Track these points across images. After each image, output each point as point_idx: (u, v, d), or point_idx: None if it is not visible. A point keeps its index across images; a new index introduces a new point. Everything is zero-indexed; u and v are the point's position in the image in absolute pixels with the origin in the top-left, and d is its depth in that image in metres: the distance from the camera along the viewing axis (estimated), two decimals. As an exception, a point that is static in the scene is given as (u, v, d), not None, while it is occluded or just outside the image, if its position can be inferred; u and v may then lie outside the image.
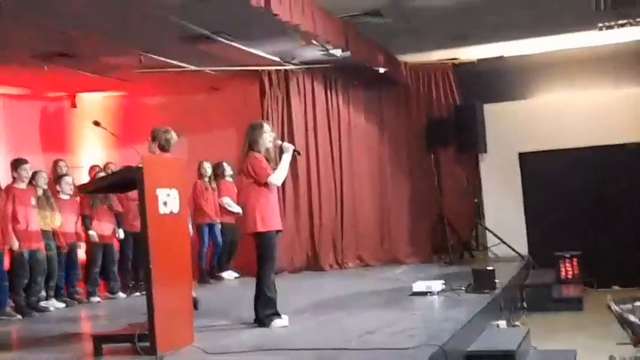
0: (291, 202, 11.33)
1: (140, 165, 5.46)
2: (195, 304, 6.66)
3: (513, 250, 11.34)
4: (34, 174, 8.72)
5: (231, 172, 10.99)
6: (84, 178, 10.70)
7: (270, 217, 6.44)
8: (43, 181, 8.84)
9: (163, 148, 7.16)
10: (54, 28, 8.05)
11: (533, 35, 10.39)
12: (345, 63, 10.38)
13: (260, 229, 6.38)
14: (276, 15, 6.97)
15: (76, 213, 9.32)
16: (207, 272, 10.76)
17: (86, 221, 9.33)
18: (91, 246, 9.42)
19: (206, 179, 10.90)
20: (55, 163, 10.05)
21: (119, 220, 9.67)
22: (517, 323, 8.21)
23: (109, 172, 9.63)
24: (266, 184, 6.45)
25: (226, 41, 9.08)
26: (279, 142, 6.83)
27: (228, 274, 11.05)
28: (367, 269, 11.19)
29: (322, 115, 11.64)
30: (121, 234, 9.69)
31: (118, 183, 6.19)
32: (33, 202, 8.51)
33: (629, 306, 7.68)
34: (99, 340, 5.71)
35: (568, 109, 11.60)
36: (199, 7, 7.55)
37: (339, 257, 11.50)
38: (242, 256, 10.81)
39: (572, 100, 11.62)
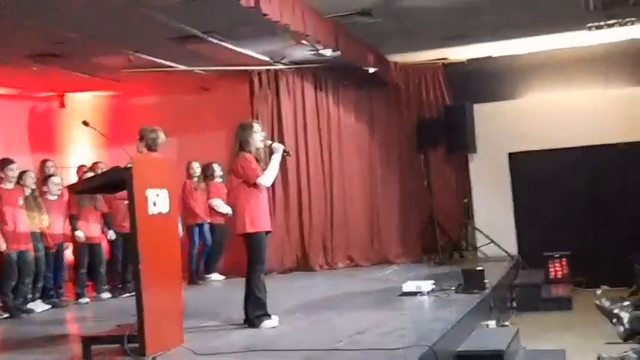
0: (281, 202, 11.31)
1: (129, 165, 5.43)
2: None
3: (503, 250, 11.37)
4: (22, 174, 8.66)
5: (221, 173, 10.94)
6: (72, 179, 10.65)
7: (259, 218, 6.43)
8: (30, 181, 8.78)
9: (150, 148, 7.13)
10: (43, 28, 8.02)
11: (523, 35, 10.40)
12: (335, 63, 10.38)
13: (249, 230, 6.37)
14: (265, 15, 6.95)
15: (64, 213, 9.26)
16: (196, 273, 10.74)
17: (73, 221, 9.25)
18: (77, 246, 9.36)
19: (195, 179, 10.85)
20: (43, 163, 10.00)
21: (108, 221, 9.63)
22: (506, 323, 8.21)
23: (98, 171, 9.57)
24: (255, 185, 6.45)
25: (216, 41, 9.07)
26: (269, 142, 6.83)
27: (216, 276, 11.02)
28: (357, 269, 11.17)
29: (312, 115, 11.63)
30: (111, 235, 9.65)
31: (108, 183, 6.16)
32: (21, 202, 8.46)
33: (617, 304, 7.73)
34: (88, 341, 5.68)
35: (558, 109, 11.61)
36: (189, 7, 7.52)
37: (329, 257, 11.49)
38: (231, 257, 10.79)
39: (562, 101, 11.64)
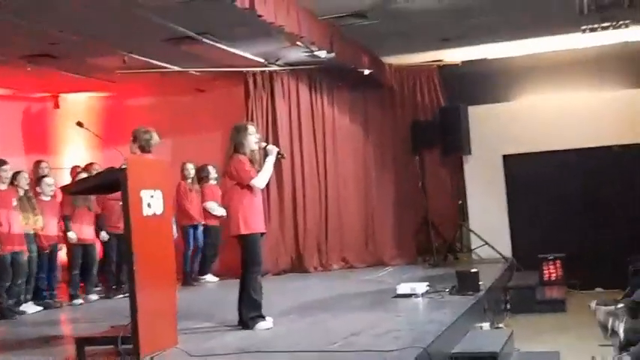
0: (276, 203, 11.31)
1: (124, 166, 5.43)
2: None
3: (497, 252, 11.37)
4: (15, 175, 8.63)
5: (216, 176, 10.91)
6: (66, 180, 10.62)
7: (253, 219, 6.43)
8: (24, 181, 8.74)
9: (144, 149, 7.10)
10: (38, 29, 7.99)
11: (518, 38, 10.41)
12: (329, 64, 10.38)
13: (243, 231, 6.37)
14: (260, 16, 6.94)
15: (57, 214, 9.22)
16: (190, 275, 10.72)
17: (66, 222, 9.21)
18: (70, 247, 9.33)
19: (189, 181, 10.82)
20: (37, 164, 9.95)
21: (101, 222, 9.61)
22: (501, 325, 8.22)
23: (93, 172, 9.55)
24: (249, 187, 6.45)
25: (211, 42, 9.06)
26: (264, 144, 6.82)
27: (210, 278, 11.01)
28: (352, 271, 11.17)
29: (307, 116, 11.63)
30: (104, 236, 9.63)
31: (102, 184, 6.15)
32: (14, 203, 8.43)
33: (611, 308, 7.74)
34: (82, 342, 5.67)
35: (552, 111, 11.63)
36: (184, 9, 7.51)
37: (323, 259, 11.48)
38: (225, 259, 10.78)
39: (556, 103, 11.67)
